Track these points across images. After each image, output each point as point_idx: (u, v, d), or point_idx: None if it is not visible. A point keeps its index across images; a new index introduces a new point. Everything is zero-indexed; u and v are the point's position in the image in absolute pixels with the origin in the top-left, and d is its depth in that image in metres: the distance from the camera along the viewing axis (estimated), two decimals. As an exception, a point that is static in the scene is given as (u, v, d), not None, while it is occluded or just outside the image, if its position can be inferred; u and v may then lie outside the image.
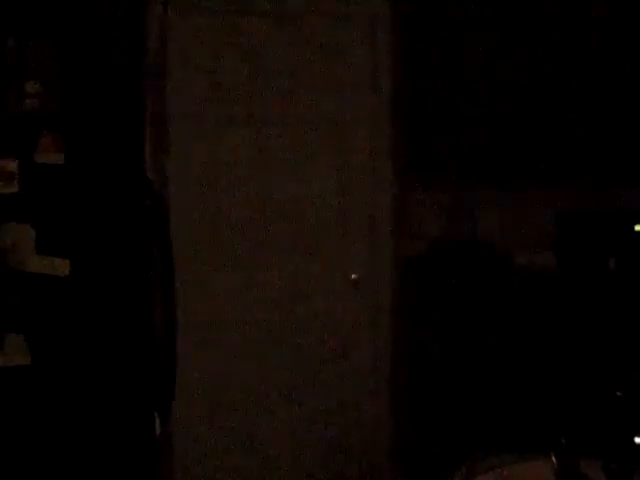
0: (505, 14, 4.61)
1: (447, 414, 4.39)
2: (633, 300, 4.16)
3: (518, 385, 4.31)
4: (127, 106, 3.10)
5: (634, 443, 2.89)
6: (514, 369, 4.32)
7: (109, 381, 3.06)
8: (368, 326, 4.66)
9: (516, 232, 4.67)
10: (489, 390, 4.34)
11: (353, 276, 4.63)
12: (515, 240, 4.64)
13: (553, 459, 2.88)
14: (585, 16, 4.63)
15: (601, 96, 4.62)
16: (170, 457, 4.27)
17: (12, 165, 2.95)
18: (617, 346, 4.10)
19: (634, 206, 4.44)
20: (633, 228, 4.25)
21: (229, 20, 4.44)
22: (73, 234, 3.01)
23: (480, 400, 4.34)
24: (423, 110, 4.57)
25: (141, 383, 3.12)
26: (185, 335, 3.66)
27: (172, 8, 4.27)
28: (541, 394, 4.24)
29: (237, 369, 4.50)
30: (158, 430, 3.22)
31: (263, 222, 4.54)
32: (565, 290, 4.34)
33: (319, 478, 4.56)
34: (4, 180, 2.93)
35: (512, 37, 4.63)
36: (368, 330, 4.65)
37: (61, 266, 2.97)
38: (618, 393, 3.22)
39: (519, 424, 4.17)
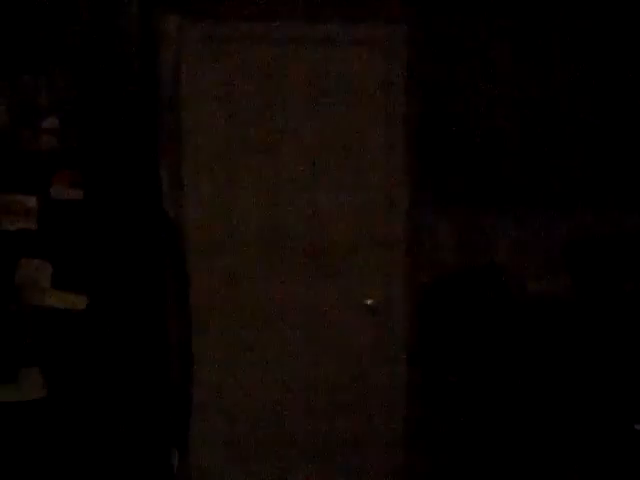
0: (523, 32, 4.59)
1: (463, 444, 4.37)
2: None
3: (535, 410, 4.28)
4: (143, 140, 3.12)
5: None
6: (530, 395, 4.30)
7: (126, 415, 3.07)
8: (384, 352, 4.65)
9: (531, 257, 4.66)
10: (505, 419, 4.32)
11: (369, 301, 4.63)
12: (530, 265, 4.64)
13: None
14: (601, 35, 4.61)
15: (616, 120, 4.61)
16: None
17: (31, 201, 2.97)
18: (637, 371, 4.07)
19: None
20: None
21: (243, 48, 4.46)
22: (90, 269, 3.03)
23: (496, 430, 4.32)
24: (438, 135, 4.57)
25: (158, 417, 3.12)
26: (200, 366, 3.68)
27: (186, 38, 4.29)
28: (557, 422, 4.22)
29: (252, 395, 4.51)
30: (176, 464, 3.22)
31: (277, 247, 4.55)
32: (579, 314, 4.32)
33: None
34: (22, 216, 2.95)
35: (528, 58, 4.62)
36: (384, 356, 4.65)
37: (77, 301, 2.99)
38: (637, 427, 3.20)
39: (535, 454, 4.15)
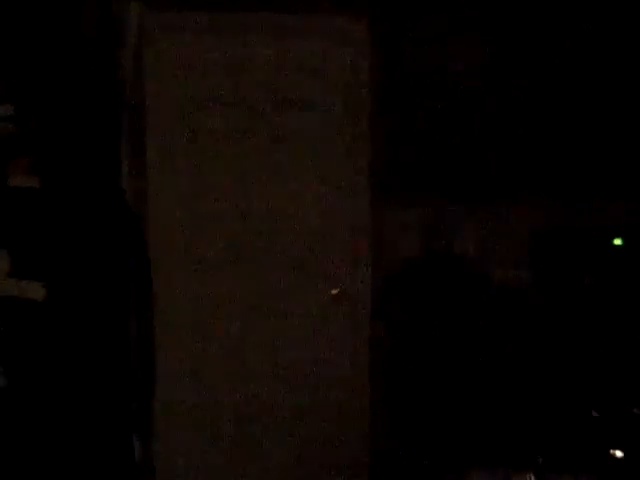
0: (488, 22, 4.62)
1: (426, 431, 4.39)
2: (608, 316, 4.18)
3: (496, 401, 4.31)
4: (102, 125, 3.10)
5: (610, 458, 2.90)
6: (492, 385, 4.33)
7: (86, 405, 3.05)
8: (348, 341, 4.65)
9: (493, 248, 4.68)
10: (467, 406, 4.34)
11: (333, 291, 4.63)
12: (492, 256, 4.66)
13: (531, 477, 2.88)
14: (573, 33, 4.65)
15: (578, 113, 4.64)
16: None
17: (-15, 189, 2.95)
18: (593, 362, 4.12)
19: (612, 221, 4.46)
20: (611, 242, 4.27)
21: (206, 38, 4.44)
22: (48, 257, 3.00)
23: (458, 417, 4.34)
24: (400, 127, 4.58)
25: (119, 406, 3.11)
26: (163, 353, 3.66)
27: (148, 26, 4.26)
28: (518, 410, 4.25)
29: (218, 386, 4.49)
30: (138, 453, 3.20)
31: (243, 238, 4.54)
32: (541, 306, 4.35)
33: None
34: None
35: (496, 49, 4.64)
36: (348, 345, 4.65)
37: (36, 290, 2.96)
38: (594, 413, 3.23)
39: (497, 441, 4.18)
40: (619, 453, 2.98)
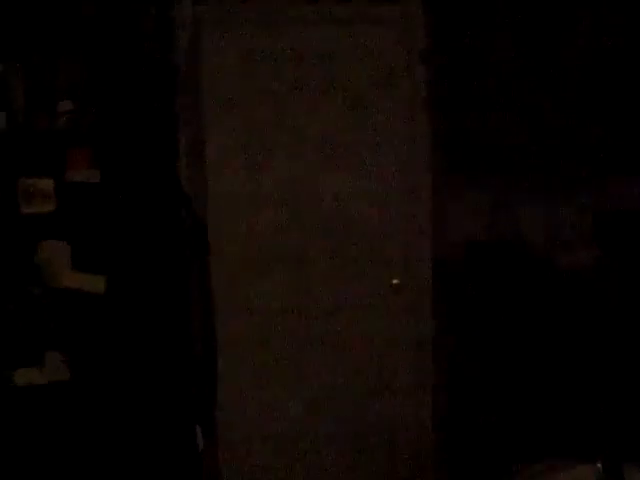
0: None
1: (490, 420, 4.34)
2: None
3: (562, 389, 4.24)
4: (161, 121, 3.11)
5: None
6: (558, 372, 4.26)
7: (149, 395, 3.07)
8: (409, 331, 4.62)
9: (556, 232, 4.61)
10: (532, 394, 4.28)
11: (394, 281, 4.60)
12: (556, 240, 4.58)
13: (598, 465, 2.83)
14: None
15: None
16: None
17: (48, 184, 2.98)
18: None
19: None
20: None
21: (258, 30, 4.44)
22: (109, 250, 3.03)
23: (523, 405, 4.28)
24: (461, 111, 4.52)
25: (182, 396, 3.12)
26: (226, 349, 3.68)
27: (203, 21, 4.28)
28: (585, 398, 4.18)
29: (279, 379, 4.50)
30: (201, 443, 3.22)
31: (301, 232, 4.52)
32: (606, 289, 4.27)
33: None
34: (40, 199, 2.96)
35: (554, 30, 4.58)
36: (410, 335, 4.62)
37: (97, 282, 2.99)
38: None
39: (563, 430, 4.11)
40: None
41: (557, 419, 4.19)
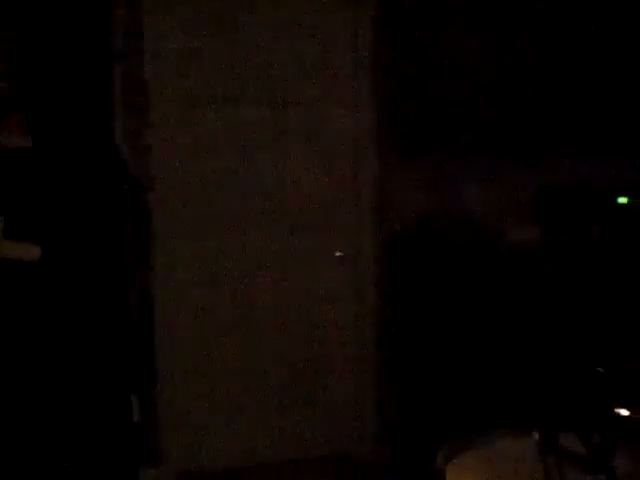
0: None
1: (431, 391, 4.36)
2: (616, 270, 4.13)
3: (500, 361, 4.28)
4: (96, 85, 3.05)
5: (614, 415, 2.87)
6: (497, 345, 4.30)
7: (83, 365, 3.03)
8: (353, 303, 4.63)
9: (499, 206, 4.63)
10: (472, 366, 4.31)
11: (338, 253, 4.60)
12: (498, 214, 4.61)
13: (535, 434, 2.85)
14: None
15: (588, 73, 4.59)
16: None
17: (-22, 149, 2.91)
18: (599, 318, 4.07)
19: (615, 182, 4.43)
20: (615, 200, 4.23)
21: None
22: (44, 219, 2.97)
23: (463, 377, 4.31)
24: (405, 85, 4.52)
25: (116, 367, 3.08)
26: (167, 317, 3.64)
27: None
28: (522, 369, 4.22)
29: (222, 347, 4.48)
30: (136, 414, 3.19)
31: (247, 203, 4.49)
32: (549, 261, 4.31)
33: (303, 456, 4.56)
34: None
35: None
36: (353, 307, 4.63)
37: (32, 251, 2.93)
38: (599, 369, 3.20)
39: (501, 400, 4.15)
40: (624, 411, 2.95)
41: (496, 390, 4.23)
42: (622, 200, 4.20)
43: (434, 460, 3.02)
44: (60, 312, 3.01)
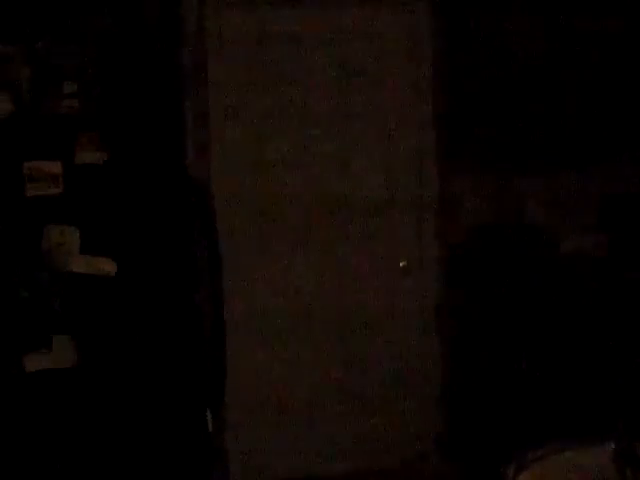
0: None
1: (499, 401, 4.33)
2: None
3: (572, 370, 4.23)
4: (166, 103, 3.10)
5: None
6: (567, 354, 4.25)
7: (158, 380, 3.06)
8: (417, 314, 4.62)
9: (564, 216, 4.59)
10: (542, 376, 4.27)
11: (402, 263, 4.59)
12: (562, 224, 4.57)
13: (611, 444, 2.81)
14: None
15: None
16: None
17: (56, 167, 2.96)
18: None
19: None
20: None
21: (266, 11, 4.41)
22: (118, 234, 3.01)
23: (533, 386, 4.27)
24: (466, 96, 4.50)
25: (191, 381, 3.11)
26: (233, 330, 3.66)
27: (209, 3, 4.24)
28: (596, 378, 4.17)
29: (287, 360, 4.49)
30: (211, 427, 3.21)
31: (310, 215, 4.51)
32: (614, 274, 4.26)
33: (363, 467, 4.55)
34: (48, 182, 2.94)
35: (557, 19, 4.55)
36: (417, 317, 4.62)
37: (107, 266, 2.97)
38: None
39: (575, 410, 4.10)
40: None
41: (569, 400, 4.18)
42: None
43: (504, 472, 3.00)
44: (133, 327, 3.05)
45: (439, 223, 4.59)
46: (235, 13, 4.36)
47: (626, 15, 4.57)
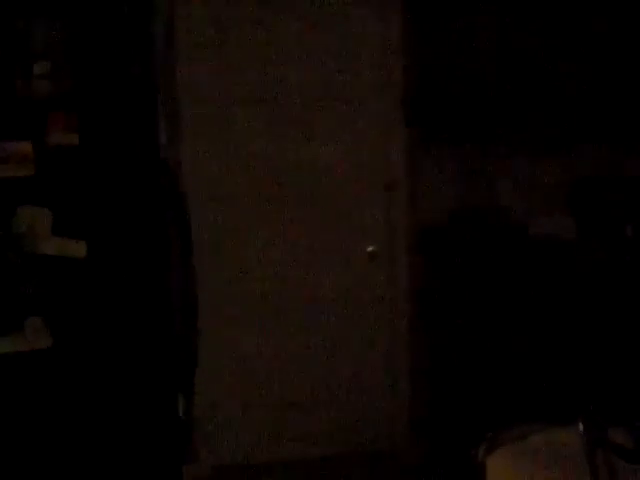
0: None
1: (469, 384, 4.36)
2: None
3: (541, 354, 4.27)
4: (139, 84, 3.07)
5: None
6: (537, 337, 4.29)
7: (130, 362, 3.05)
8: (385, 298, 4.64)
9: (533, 198, 4.63)
10: (512, 359, 4.31)
11: (369, 248, 4.60)
12: (532, 206, 4.61)
13: (580, 427, 2.84)
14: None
15: (621, 60, 4.56)
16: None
17: (26, 147, 2.92)
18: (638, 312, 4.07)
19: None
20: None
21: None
22: (89, 215, 2.99)
23: (503, 369, 4.31)
24: (436, 75, 4.51)
25: (163, 364, 3.10)
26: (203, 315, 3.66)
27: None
28: (565, 362, 4.21)
29: (254, 343, 4.50)
30: (182, 411, 3.21)
31: (277, 195, 4.51)
32: (582, 256, 4.30)
33: (337, 451, 4.57)
34: (19, 163, 2.91)
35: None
36: (385, 302, 4.64)
37: (77, 248, 2.95)
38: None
39: (544, 393, 4.15)
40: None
41: (538, 383, 4.22)
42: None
43: (474, 453, 3.02)
44: (104, 309, 3.03)
45: (408, 206, 4.61)
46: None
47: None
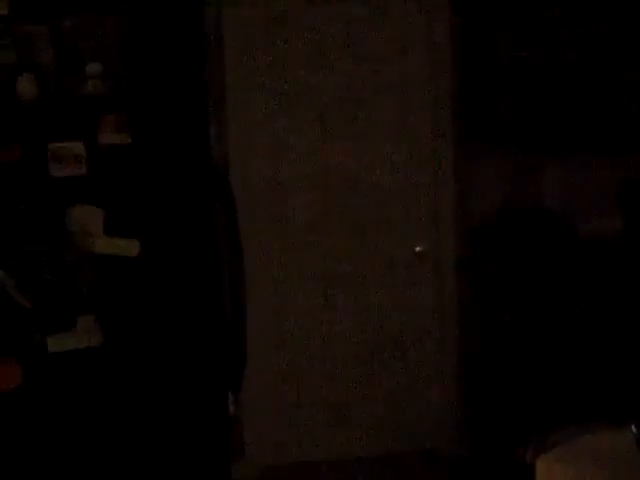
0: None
1: (519, 385, 4.34)
2: None
3: (592, 354, 4.23)
4: (190, 84, 3.09)
5: None
6: (587, 338, 4.25)
7: (180, 360, 3.08)
8: (434, 298, 4.62)
9: (580, 199, 4.58)
10: (562, 360, 4.28)
11: (417, 248, 4.60)
12: (580, 207, 4.56)
13: (633, 428, 2.81)
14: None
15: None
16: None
17: (79, 147, 2.96)
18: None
19: None
20: None
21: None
22: (141, 214, 3.02)
23: (553, 370, 4.28)
24: (484, 77, 4.49)
25: (213, 362, 3.12)
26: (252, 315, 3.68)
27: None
28: (616, 363, 4.17)
29: (304, 347, 4.52)
30: (232, 409, 3.23)
31: (325, 197, 4.52)
32: (631, 257, 4.25)
33: (387, 450, 4.57)
34: (72, 163, 2.94)
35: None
36: (434, 301, 4.62)
37: (130, 247, 2.98)
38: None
39: (594, 395, 4.11)
40: None
41: (589, 385, 4.19)
42: None
43: (522, 454, 3.00)
44: (157, 305, 3.06)
45: (456, 207, 4.60)
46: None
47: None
